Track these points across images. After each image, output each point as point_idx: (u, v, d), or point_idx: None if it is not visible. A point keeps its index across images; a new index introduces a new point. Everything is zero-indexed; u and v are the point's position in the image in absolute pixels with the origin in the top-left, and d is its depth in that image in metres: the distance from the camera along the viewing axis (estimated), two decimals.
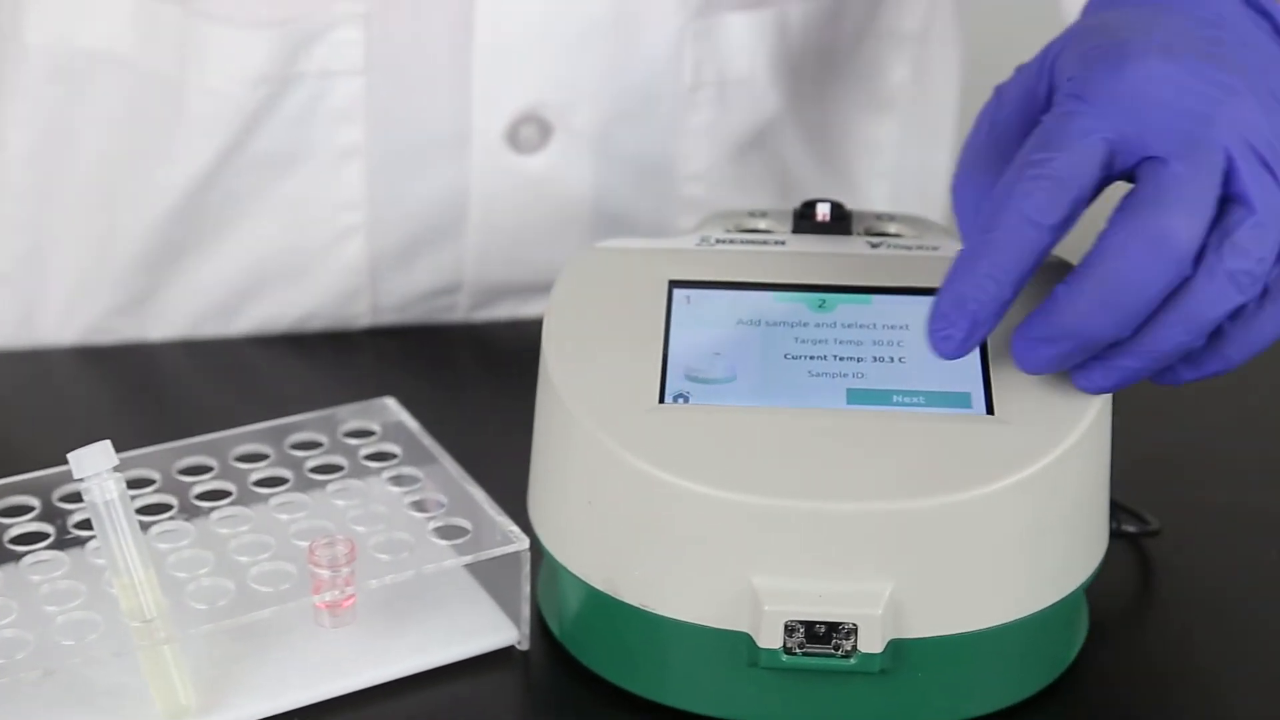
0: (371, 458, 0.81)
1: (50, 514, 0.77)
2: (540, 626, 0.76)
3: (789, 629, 0.68)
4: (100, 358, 0.99)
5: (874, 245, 0.80)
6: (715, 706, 0.71)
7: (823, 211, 0.81)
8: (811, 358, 0.74)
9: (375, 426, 0.82)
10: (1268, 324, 0.70)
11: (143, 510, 0.76)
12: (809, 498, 0.68)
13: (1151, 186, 0.67)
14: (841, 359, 0.74)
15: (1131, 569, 0.80)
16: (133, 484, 0.76)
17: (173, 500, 0.78)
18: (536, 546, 0.74)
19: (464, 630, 0.75)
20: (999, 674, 0.71)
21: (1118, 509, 0.79)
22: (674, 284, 0.77)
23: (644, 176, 1.00)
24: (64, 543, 0.76)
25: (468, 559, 0.74)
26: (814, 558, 0.68)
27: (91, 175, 0.98)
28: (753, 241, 0.80)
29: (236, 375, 0.99)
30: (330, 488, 0.80)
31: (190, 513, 0.78)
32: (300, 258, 0.99)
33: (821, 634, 0.68)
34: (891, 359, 0.74)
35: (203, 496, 0.79)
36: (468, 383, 0.99)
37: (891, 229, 0.81)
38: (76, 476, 0.71)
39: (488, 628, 0.76)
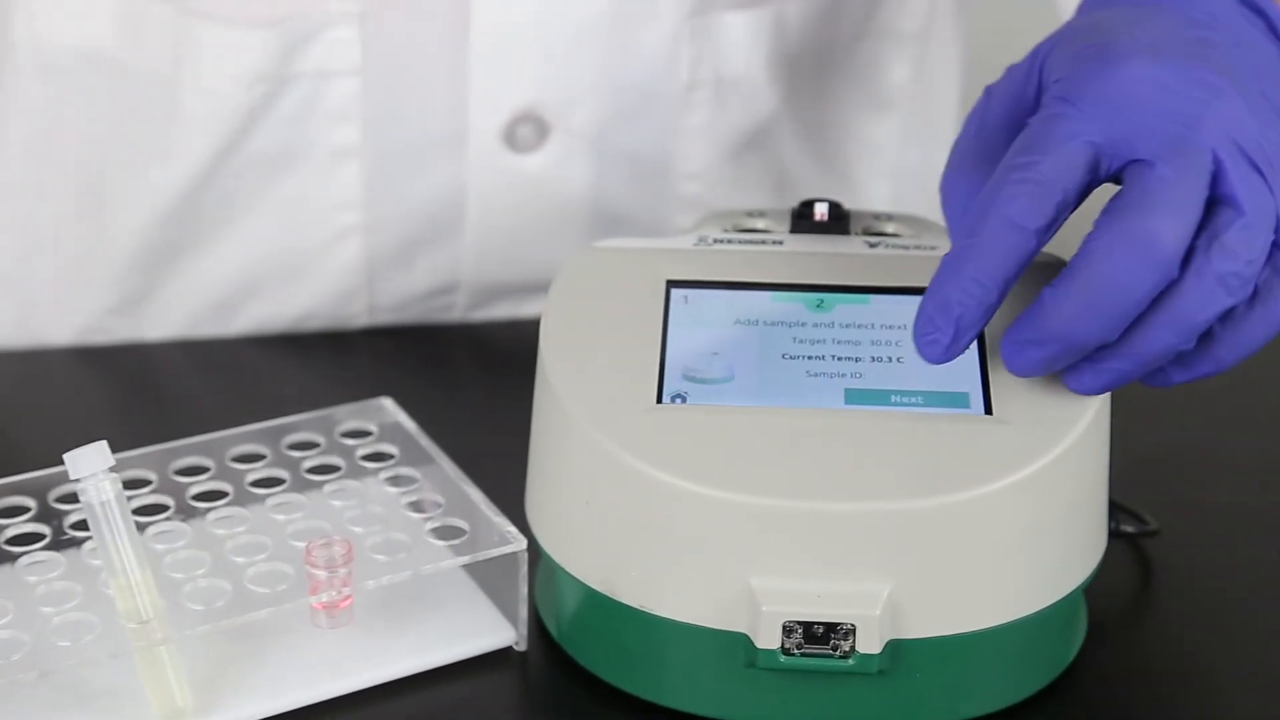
0: (369, 458, 0.81)
1: (46, 515, 0.77)
2: (538, 627, 0.76)
3: (787, 629, 0.68)
4: (97, 358, 0.99)
5: (872, 245, 0.79)
6: (713, 707, 0.71)
7: (821, 211, 0.81)
8: (809, 358, 0.74)
9: (372, 427, 0.82)
10: (1258, 326, 0.69)
11: (139, 511, 0.76)
12: (807, 498, 0.68)
13: (1137, 189, 0.67)
14: (839, 359, 0.74)
15: (1130, 569, 0.80)
16: (129, 484, 0.76)
17: (169, 501, 0.78)
18: (534, 547, 0.74)
19: (461, 631, 0.75)
20: (997, 675, 0.71)
21: (1116, 509, 0.79)
22: (672, 284, 0.77)
23: (641, 176, 1.00)
24: (60, 543, 0.76)
25: (465, 560, 0.74)
26: (812, 558, 0.68)
27: (84, 174, 0.97)
28: (750, 241, 0.80)
29: (233, 375, 0.98)
30: (327, 488, 0.79)
31: (187, 513, 0.78)
32: (297, 258, 0.99)
33: (819, 634, 0.68)
34: (889, 359, 0.74)
35: (199, 497, 0.78)
36: (465, 383, 0.99)
37: (889, 229, 0.81)
38: (73, 477, 0.71)
39: (485, 628, 0.76)
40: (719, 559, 0.69)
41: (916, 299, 0.75)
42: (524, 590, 0.74)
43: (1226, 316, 0.69)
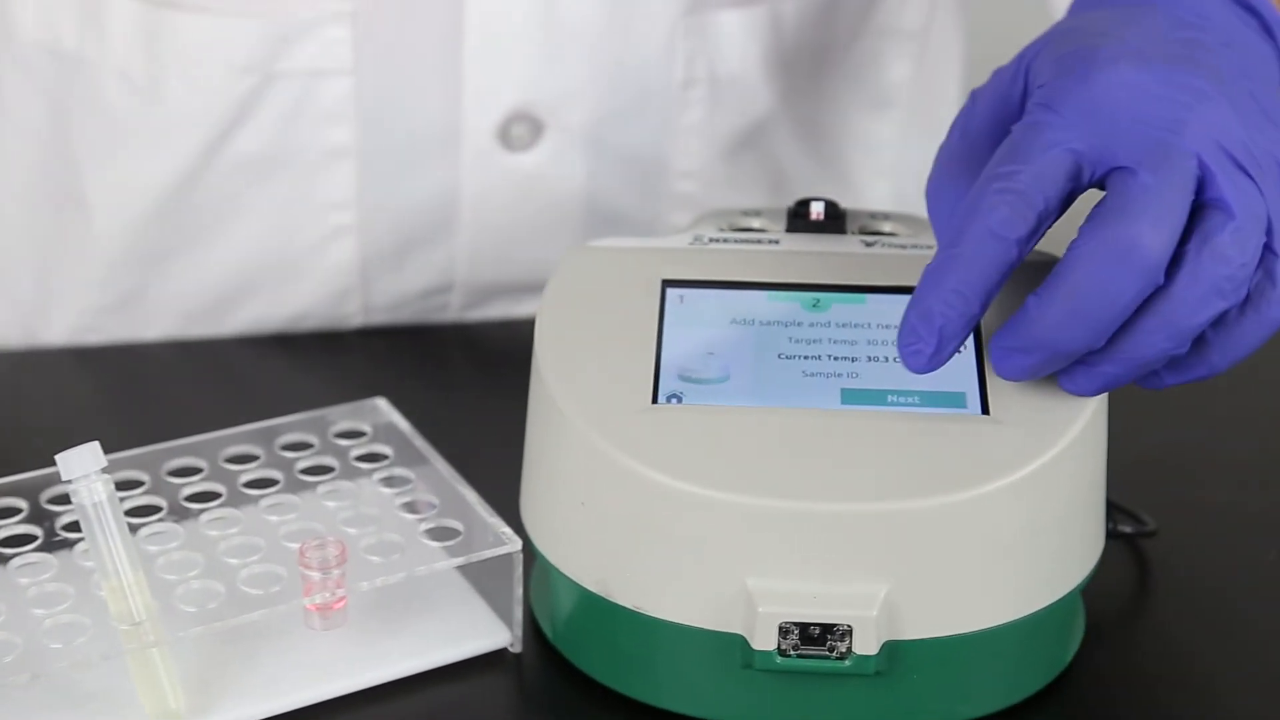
0: (362, 459, 0.81)
1: (38, 516, 0.77)
2: (533, 628, 0.76)
3: (783, 631, 0.68)
4: (89, 358, 0.99)
5: (868, 244, 0.79)
6: (709, 709, 0.71)
7: (817, 210, 0.81)
8: (806, 357, 0.74)
9: (366, 427, 0.82)
10: (1251, 329, 0.69)
11: (131, 512, 0.76)
12: (803, 498, 0.68)
13: (1119, 197, 0.67)
14: (836, 359, 0.74)
15: (1128, 570, 0.80)
16: (121, 485, 0.76)
17: (162, 502, 0.78)
18: (529, 548, 0.74)
19: (456, 632, 0.75)
20: (995, 676, 0.71)
21: (1114, 509, 0.79)
22: (667, 283, 0.77)
23: (636, 175, 1.00)
24: (52, 545, 0.76)
25: (459, 561, 0.74)
26: (808, 559, 0.68)
27: (58, 170, 0.97)
28: (746, 240, 0.80)
29: (227, 376, 0.98)
30: (321, 489, 0.79)
31: (180, 514, 0.78)
32: (291, 258, 0.99)
33: (816, 635, 0.68)
34: (886, 359, 0.74)
35: (192, 498, 0.78)
36: (460, 383, 0.99)
37: (886, 228, 0.81)
38: (65, 478, 0.70)
39: (480, 630, 0.75)
40: (715, 560, 0.68)
41: None
42: (519, 591, 0.74)
43: (1219, 320, 0.68)
